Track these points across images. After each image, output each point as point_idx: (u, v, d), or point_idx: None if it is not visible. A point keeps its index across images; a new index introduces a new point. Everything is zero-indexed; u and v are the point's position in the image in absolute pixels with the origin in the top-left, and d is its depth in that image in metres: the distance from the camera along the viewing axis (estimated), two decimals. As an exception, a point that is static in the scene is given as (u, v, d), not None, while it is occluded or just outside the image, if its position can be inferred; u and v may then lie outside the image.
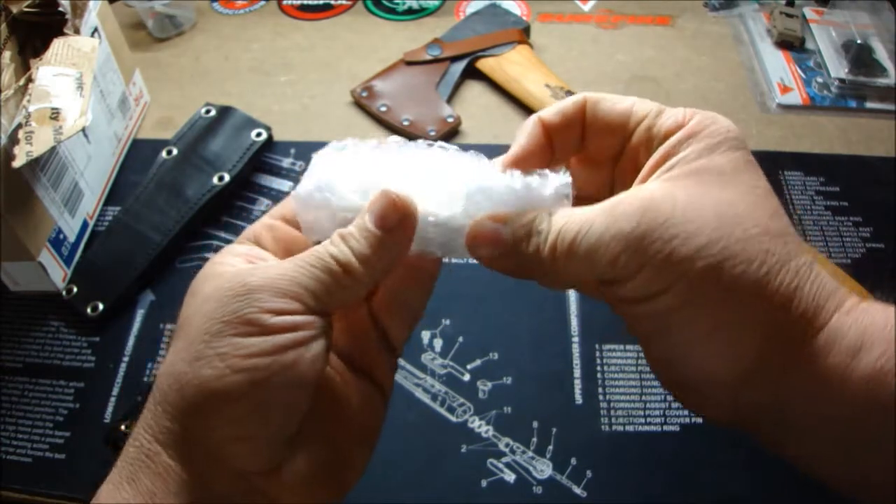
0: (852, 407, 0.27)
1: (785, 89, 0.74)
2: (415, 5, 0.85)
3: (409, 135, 0.70)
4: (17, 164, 0.46)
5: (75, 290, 0.58)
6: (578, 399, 0.53)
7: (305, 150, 0.69)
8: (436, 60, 0.75)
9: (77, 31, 0.56)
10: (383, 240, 0.29)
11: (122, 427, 0.49)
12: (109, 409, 0.53)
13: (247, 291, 0.28)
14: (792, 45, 0.78)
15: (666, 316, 0.28)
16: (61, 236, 0.57)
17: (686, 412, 0.52)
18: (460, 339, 0.56)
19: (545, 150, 0.32)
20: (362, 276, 0.29)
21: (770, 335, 0.27)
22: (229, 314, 0.27)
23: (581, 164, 0.34)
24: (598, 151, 0.33)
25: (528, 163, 0.32)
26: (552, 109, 0.32)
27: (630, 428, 0.51)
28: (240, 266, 0.30)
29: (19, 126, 0.47)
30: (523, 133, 0.32)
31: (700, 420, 0.52)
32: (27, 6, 0.56)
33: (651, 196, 0.28)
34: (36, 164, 0.53)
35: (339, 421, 0.31)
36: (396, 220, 0.29)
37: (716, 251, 0.27)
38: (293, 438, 0.28)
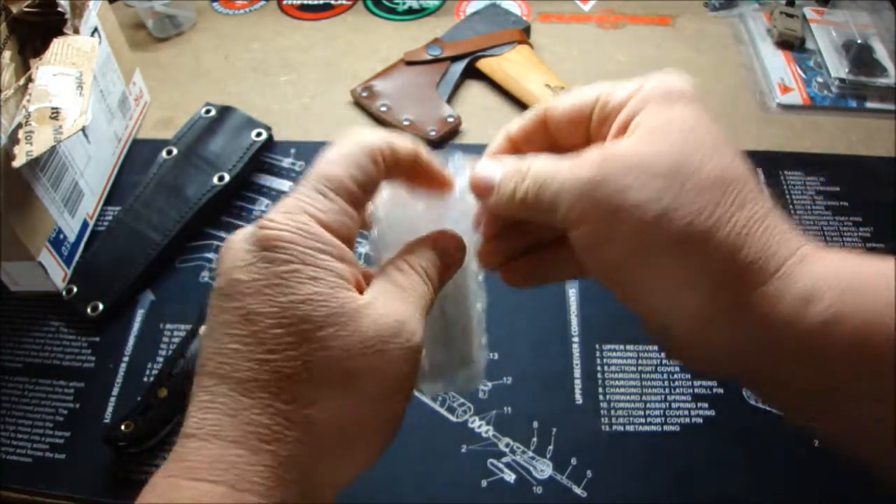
0: (803, 356, 0.27)
1: (785, 89, 0.74)
2: (415, 5, 0.85)
3: (409, 135, 0.69)
4: (17, 163, 0.46)
5: (75, 290, 0.58)
6: (578, 399, 0.53)
7: (305, 150, 0.69)
8: (436, 60, 0.75)
9: (77, 31, 0.56)
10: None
11: (122, 427, 0.49)
12: (109, 409, 0.53)
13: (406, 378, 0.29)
14: (792, 44, 0.78)
15: (622, 262, 0.29)
16: (61, 236, 0.57)
17: (686, 412, 0.52)
18: (460, 339, 0.56)
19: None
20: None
21: (719, 283, 0.28)
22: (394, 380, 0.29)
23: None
24: (570, 146, 0.33)
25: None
26: (515, 124, 0.35)
27: (630, 428, 0.51)
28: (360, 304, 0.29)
29: (19, 126, 0.47)
30: (492, 145, 0.35)
31: (700, 420, 0.52)
32: (27, 6, 0.56)
33: (613, 149, 0.29)
34: (36, 164, 0.53)
35: None
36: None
37: (666, 201, 0.28)
38: None
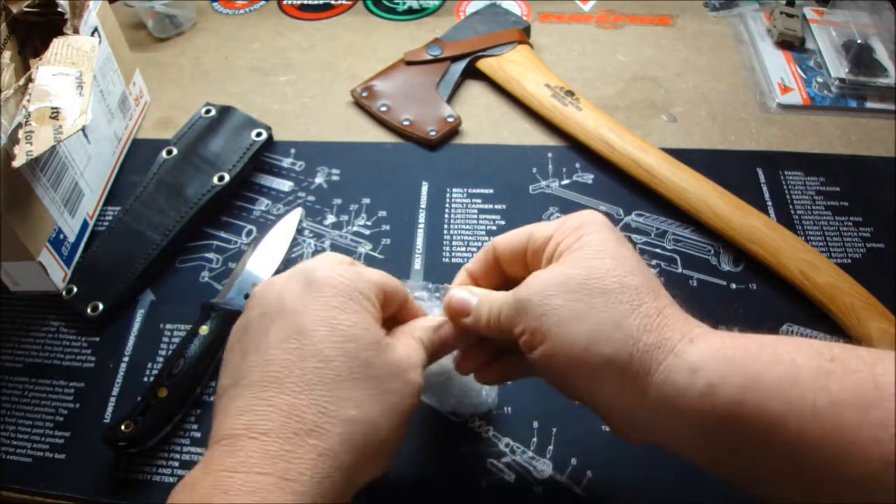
0: (693, 422, 0.33)
1: (785, 89, 0.74)
2: (415, 5, 0.85)
3: (409, 134, 0.70)
4: (17, 163, 0.46)
5: (75, 290, 0.58)
6: (578, 399, 0.53)
7: (305, 150, 0.69)
8: (436, 60, 0.75)
9: (76, 31, 0.56)
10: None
11: (122, 427, 0.49)
12: (109, 409, 0.53)
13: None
14: (792, 44, 0.78)
15: (554, 357, 0.36)
16: (61, 236, 0.57)
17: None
18: (460, 339, 0.56)
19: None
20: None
21: (628, 364, 0.34)
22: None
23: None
24: (515, 276, 0.42)
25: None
26: (473, 262, 0.44)
27: (630, 428, 0.51)
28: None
29: (19, 126, 0.47)
30: (457, 279, 0.45)
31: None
32: (27, 6, 0.56)
33: (541, 275, 0.38)
34: (36, 164, 0.53)
35: None
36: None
37: (579, 306, 0.35)
38: None
